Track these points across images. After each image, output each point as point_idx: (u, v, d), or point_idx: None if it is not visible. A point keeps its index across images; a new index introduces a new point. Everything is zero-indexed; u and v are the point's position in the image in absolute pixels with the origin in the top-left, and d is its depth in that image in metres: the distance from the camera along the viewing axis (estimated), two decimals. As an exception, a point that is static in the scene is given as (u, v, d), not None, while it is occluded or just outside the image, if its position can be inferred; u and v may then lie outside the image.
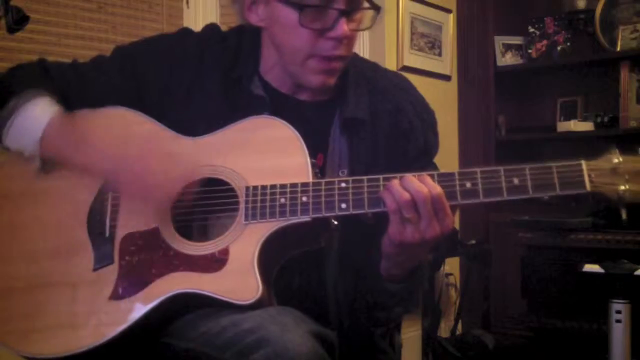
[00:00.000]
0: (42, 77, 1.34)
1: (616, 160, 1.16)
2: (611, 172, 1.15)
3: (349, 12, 1.25)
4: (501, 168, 1.18)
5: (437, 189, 1.16)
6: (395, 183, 1.17)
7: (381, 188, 1.19)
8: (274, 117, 1.28)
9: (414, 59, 3.61)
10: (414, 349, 3.26)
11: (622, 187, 1.14)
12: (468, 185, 1.18)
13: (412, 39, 3.60)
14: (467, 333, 3.51)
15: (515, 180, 1.17)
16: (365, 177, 1.21)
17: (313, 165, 1.23)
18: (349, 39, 1.28)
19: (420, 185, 1.15)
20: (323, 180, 1.22)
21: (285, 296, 1.24)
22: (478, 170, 1.18)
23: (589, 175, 1.15)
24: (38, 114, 1.26)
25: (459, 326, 3.61)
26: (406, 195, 1.15)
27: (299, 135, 1.24)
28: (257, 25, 1.34)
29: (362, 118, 1.35)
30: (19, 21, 1.35)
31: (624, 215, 1.15)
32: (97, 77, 1.37)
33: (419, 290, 1.40)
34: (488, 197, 1.17)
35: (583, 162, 1.16)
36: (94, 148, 1.24)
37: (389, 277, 1.29)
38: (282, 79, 1.36)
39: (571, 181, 1.16)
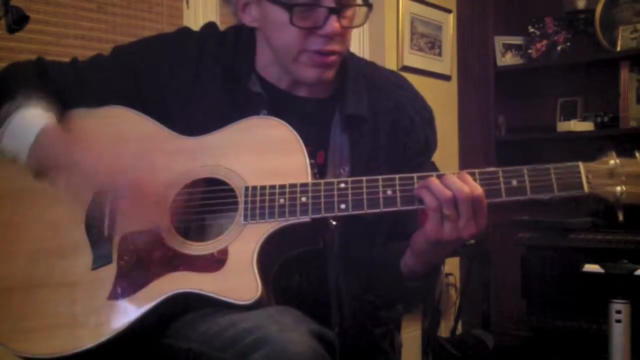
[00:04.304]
0: (40, 78, 1.34)
1: (613, 163, 1.17)
2: (608, 174, 1.16)
3: (338, 10, 1.26)
4: (499, 169, 1.19)
5: (479, 189, 1.17)
6: (435, 181, 1.17)
7: (380, 189, 1.19)
8: (272, 117, 1.29)
9: (414, 59, 3.61)
10: (414, 349, 3.25)
11: (619, 189, 1.16)
12: None
13: (412, 39, 3.60)
14: (467, 333, 3.51)
15: (514, 182, 1.18)
16: (364, 178, 1.21)
17: (312, 166, 1.23)
18: (341, 36, 1.29)
19: (462, 184, 1.16)
20: (322, 181, 1.22)
21: (285, 296, 1.24)
22: (476, 171, 1.19)
23: (587, 177, 1.16)
24: (31, 120, 1.26)
25: (459, 326, 3.61)
26: (448, 193, 1.15)
27: (297, 135, 1.24)
28: (251, 25, 1.35)
29: (363, 115, 1.36)
30: (19, 21, 1.35)
31: (620, 217, 1.16)
32: (95, 76, 1.36)
33: (437, 287, 1.42)
34: (487, 199, 1.18)
35: (581, 164, 1.17)
36: (86, 158, 1.23)
37: (411, 275, 1.29)
38: (279, 76, 1.36)
39: (569, 183, 1.17)
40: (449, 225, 1.17)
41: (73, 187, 1.26)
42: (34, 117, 1.26)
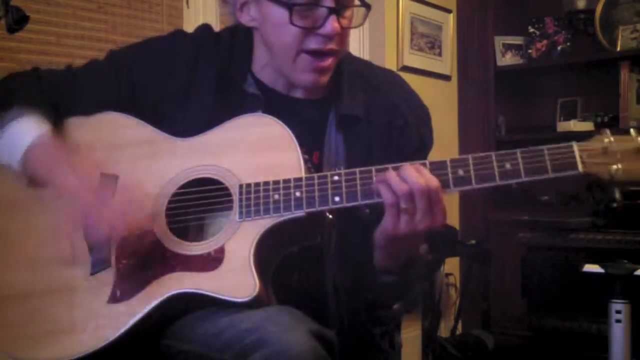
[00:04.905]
0: (35, 89, 1.34)
1: (607, 141, 1.16)
2: (603, 153, 1.15)
3: (338, 10, 1.27)
4: (492, 153, 1.18)
5: (435, 181, 1.16)
6: (392, 174, 1.17)
7: (373, 180, 1.19)
8: (264, 114, 1.29)
9: (414, 59, 3.61)
10: (414, 349, 3.25)
11: (614, 167, 1.14)
12: (460, 172, 1.18)
13: (412, 39, 3.60)
14: (467, 333, 3.50)
15: (507, 165, 1.17)
16: (357, 169, 1.21)
17: (306, 161, 1.24)
18: (340, 36, 1.30)
19: (418, 176, 1.16)
20: (316, 175, 1.22)
21: (284, 295, 1.24)
22: (470, 156, 1.18)
23: (581, 157, 1.15)
24: (22, 133, 1.27)
25: (459, 326, 3.61)
26: (404, 187, 1.15)
27: (290, 131, 1.25)
28: (249, 25, 1.35)
29: (357, 115, 1.36)
30: (19, 21, 1.36)
31: (617, 195, 1.15)
32: (91, 82, 1.37)
33: (416, 285, 1.41)
34: (481, 184, 1.17)
35: (574, 144, 1.16)
36: (71, 176, 1.23)
37: (383, 269, 1.30)
38: (275, 77, 1.37)
39: (563, 163, 1.15)
40: (405, 219, 1.17)
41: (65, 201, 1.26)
42: (25, 130, 1.27)
